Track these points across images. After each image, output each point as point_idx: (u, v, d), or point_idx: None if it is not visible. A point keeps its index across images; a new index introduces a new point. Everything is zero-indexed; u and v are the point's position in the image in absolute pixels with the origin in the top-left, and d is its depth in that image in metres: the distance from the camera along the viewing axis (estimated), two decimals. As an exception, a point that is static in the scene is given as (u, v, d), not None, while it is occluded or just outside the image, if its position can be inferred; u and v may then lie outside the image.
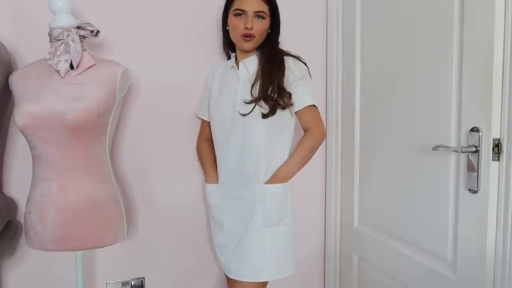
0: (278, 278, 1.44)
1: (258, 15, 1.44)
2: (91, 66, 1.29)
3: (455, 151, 1.24)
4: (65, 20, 1.27)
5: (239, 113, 1.42)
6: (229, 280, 1.52)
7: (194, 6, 1.68)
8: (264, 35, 1.49)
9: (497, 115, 1.13)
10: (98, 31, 1.31)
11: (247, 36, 1.43)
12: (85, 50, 1.30)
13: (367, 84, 1.68)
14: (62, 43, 1.25)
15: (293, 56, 1.49)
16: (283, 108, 1.41)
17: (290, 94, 1.41)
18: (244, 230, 1.45)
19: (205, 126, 1.65)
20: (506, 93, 1.11)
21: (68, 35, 1.25)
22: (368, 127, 1.68)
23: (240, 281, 1.44)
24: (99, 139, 1.31)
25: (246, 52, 1.50)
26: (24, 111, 1.22)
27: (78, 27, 1.28)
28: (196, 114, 1.68)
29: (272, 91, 1.39)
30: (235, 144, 1.46)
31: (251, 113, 1.40)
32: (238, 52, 1.54)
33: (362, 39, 1.70)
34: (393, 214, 1.55)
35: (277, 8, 1.51)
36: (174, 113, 1.68)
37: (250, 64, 1.49)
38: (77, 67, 1.27)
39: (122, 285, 1.69)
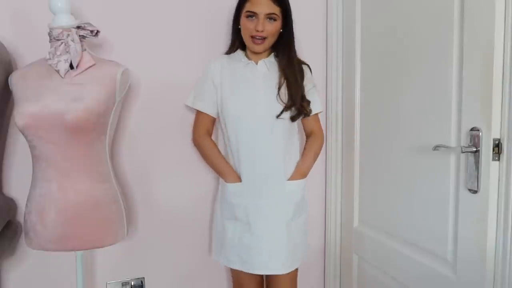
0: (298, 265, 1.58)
1: (270, 17, 1.46)
2: (91, 66, 1.29)
3: (455, 151, 1.24)
4: (65, 20, 1.27)
5: (273, 115, 1.48)
6: (269, 278, 1.60)
7: (194, 6, 1.68)
8: (276, 37, 1.52)
9: (497, 115, 1.13)
10: (98, 31, 1.31)
11: (258, 39, 1.47)
12: (85, 50, 1.30)
13: (367, 84, 1.68)
14: (62, 43, 1.25)
15: (306, 64, 1.61)
16: (306, 114, 1.55)
17: (309, 102, 1.55)
18: (275, 226, 1.50)
19: (208, 121, 1.58)
20: (506, 93, 1.11)
21: (68, 35, 1.25)
22: (368, 127, 1.68)
23: (284, 274, 1.52)
24: (99, 139, 1.31)
25: (258, 53, 1.54)
26: (24, 111, 1.22)
27: (78, 27, 1.28)
28: (195, 107, 1.58)
29: (299, 98, 1.51)
30: (263, 143, 1.50)
31: (276, 114, 1.49)
32: (249, 51, 1.56)
33: (362, 39, 1.70)
34: (393, 214, 1.55)
35: (289, 9, 1.51)
36: (174, 113, 1.68)
37: (270, 64, 1.55)
38: (77, 67, 1.27)
39: (122, 285, 1.69)
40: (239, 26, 1.52)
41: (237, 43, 1.59)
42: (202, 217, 1.76)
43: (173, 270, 1.75)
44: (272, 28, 1.47)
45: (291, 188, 1.54)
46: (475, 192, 1.19)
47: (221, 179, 1.59)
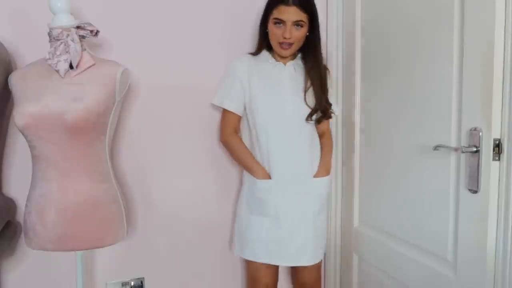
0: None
1: (297, 23, 1.49)
2: (90, 66, 1.29)
3: (456, 151, 1.24)
4: (65, 20, 1.26)
5: (301, 116, 1.55)
6: (298, 270, 1.68)
7: (193, 6, 1.67)
8: (302, 41, 1.55)
9: (497, 115, 1.13)
10: (97, 31, 1.30)
11: (285, 44, 1.51)
12: (85, 50, 1.30)
13: (368, 84, 1.68)
14: (61, 43, 1.25)
15: (327, 68, 1.66)
16: (328, 117, 1.62)
17: (331, 105, 1.61)
18: (304, 220, 1.58)
19: (236, 120, 1.61)
20: (506, 93, 1.11)
21: (68, 35, 1.25)
22: (368, 127, 1.68)
23: (312, 265, 1.62)
24: (99, 139, 1.31)
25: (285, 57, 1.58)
26: (24, 111, 1.21)
27: (78, 27, 1.27)
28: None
29: (324, 102, 1.58)
30: (292, 142, 1.56)
31: (303, 116, 1.55)
32: (275, 53, 1.59)
33: (362, 39, 1.70)
34: (393, 214, 1.55)
35: (316, 13, 1.54)
36: (174, 113, 1.68)
37: (297, 67, 1.61)
38: (76, 67, 1.26)
39: (122, 285, 1.69)
40: (267, 30, 1.55)
41: (264, 44, 1.61)
42: (202, 216, 1.76)
43: (173, 270, 1.75)
44: (299, 34, 1.51)
45: (318, 185, 1.60)
46: (475, 192, 1.19)
47: (247, 176, 1.62)
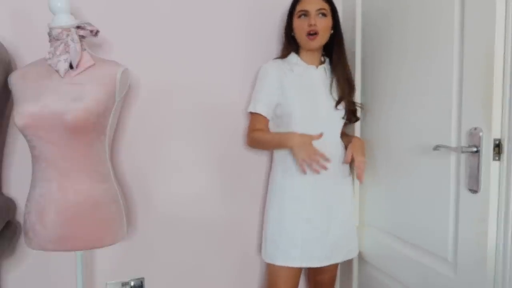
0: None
1: (321, 12, 1.54)
2: (90, 66, 1.29)
3: (456, 151, 1.23)
4: (65, 20, 1.27)
5: (334, 117, 1.59)
6: (321, 269, 1.66)
7: (193, 6, 1.67)
8: (328, 34, 1.58)
9: (497, 115, 1.13)
10: (97, 31, 1.30)
11: (312, 34, 1.53)
12: (85, 49, 1.30)
13: (368, 84, 1.68)
14: (61, 43, 1.25)
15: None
16: (356, 119, 1.67)
17: (356, 108, 1.65)
18: (336, 219, 1.61)
19: (264, 123, 1.61)
20: (506, 93, 1.11)
21: (68, 34, 1.25)
22: (368, 127, 1.68)
23: (331, 264, 1.63)
24: (98, 139, 1.31)
25: (312, 52, 1.60)
26: (24, 111, 1.21)
27: (78, 27, 1.27)
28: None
29: (349, 93, 1.62)
30: (329, 144, 1.54)
31: (338, 117, 1.60)
32: (304, 54, 1.62)
33: (362, 39, 1.70)
34: (394, 214, 1.55)
35: (336, 8, 1.60)
36: (174, 113, 1.68)
37: (328, 70, 1.65)
38: (76, 67, 1.26)
39: (122, 285, 1.69)
40: (292, 34, 1.60)
41: (290, 48, 1.64)
42: (202, 216, 1.76)
43: (173, 270, 1.75)
44: (324, 23, 1.54)
45: (349, 182, 1.67)
46: (475, 192, 1.18)
47: (276, 182, 1.61)
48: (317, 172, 1.44)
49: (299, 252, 1.56)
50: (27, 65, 1.35)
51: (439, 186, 1.32)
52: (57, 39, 1.25)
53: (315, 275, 1.74)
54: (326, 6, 1.55)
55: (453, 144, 1.26)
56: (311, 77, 1.61)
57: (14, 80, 1.30)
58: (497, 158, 1.14)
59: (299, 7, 1.56)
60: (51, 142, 1.24)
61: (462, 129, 1.22)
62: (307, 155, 1.42)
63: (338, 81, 1.61)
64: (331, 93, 1.60)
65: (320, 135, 1.43)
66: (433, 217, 1.35)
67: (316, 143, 1.47)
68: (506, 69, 1.11)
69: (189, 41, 1.68)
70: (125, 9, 1.59)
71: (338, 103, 1.58)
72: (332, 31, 1.59)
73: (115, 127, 1.44)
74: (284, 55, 1.65)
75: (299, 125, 1.55)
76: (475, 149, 1.17)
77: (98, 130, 1.30)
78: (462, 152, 1.20)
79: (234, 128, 1.75)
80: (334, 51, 1.63)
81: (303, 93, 1.58)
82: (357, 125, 1.73)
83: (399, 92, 1.49)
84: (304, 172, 1.46)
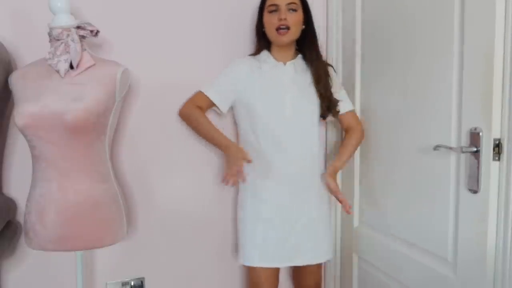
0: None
1: (291, 7, 1.51)
2: (91, 66, 1.29)
3: (456, 151, 1.23)
4: (65, 20, 1.26)
5: (302, 116, 1.56)
6: (297, 272, 1.69)
7: (193, 6, 1.67)
8: (299, 29, 1.55)
9: (497, 115, 1.13)
10: (97, 31, 1.30)
11: (282, 29, 1.51)
12: (85, 50, 1.30)
13: (368, 84, 1.68)
14: (61, 43, 1.25)
15: (330, 65, 1.67)
16: (334, 114, 1.61)
17: (337, 101, 1.61)
18: (309, 220, 1.61)
19: (206, 103, 1.58)
20: (506, 93, 1.11)
21: (68, 35, 1.25)
22: (368, 127, 1.68)
23: (313, 267, 1.66)
24: (99, 139, 1.31)
25: (284, 48, 1.57)
26: (24, 111, 1.21)
27: (78, 27, 1.27)
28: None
29: (328, 95, 1.58)
30: (293, 143, 1.55)
31: (308, 115, 1.57)
32: (275, 50, 1.60)
33: (362, 39, 1.69)
34: (393, 214, 1.55)
35: (307, 2, 1.58)
36: (174, 113, 1.68)
37: (298, 66, 1.60)
38: (77, 67, 1.26)
39: (122, 285, 1.69)
40: (263, 29, 1.57)
41: (262, 44, 1.62)
42: (202, 216, 1.76)
43: (173, 270, 1.75)
44: (294, 18, 1.51)
45: (321, 185, 1.62)
46: (475, 192, 1.18)
47: (249, 183, 1.57)
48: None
49: (258, 252, 1.56)
50: (27, 65, 1.35)
51: (439, 186, 1.32)
52: (58, 39, 1.25)
53: (299, 280, 1.73)
54: (296, 0, 1.52)
55: (453, 144, 1.26)
56: (278, 75, 1.58)
57: (14, 80, 1.30)
58: (497, 158, 1.14)
59: (269, 2, 1.53)
60: (51, 142, 1.24)
61: (462, 129, 1.22)
62: (232, 170, 1.44)
63: (317, 77, 1.57)
64: (303, 91, 1.57)
65: (250, 161, 1.46)
66: (433, 217, 1.35)
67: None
68: (506, 69, 1.11)
69: (189, 41, 1.68)
70: (125, 9, 1.59)
71: (323, 98, 1.57)
72: (303, 26, 1.57)
73: (115, 127, 1.44)
74: (256, 52, 1.63)
75: (263, 123, 1.55)
76: (475, 149, 1.17)
77: (98, 130, 1.30)
78: (462, 152, 1.20)
79: (235, 128, 1.75)
80: (307, 47, 1.60)
81: (267, 92, 1.56)
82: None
83: (399, 92, 1.49)
84: (225, 183, 1.45)
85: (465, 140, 1.21)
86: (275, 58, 1.60)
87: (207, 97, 1.58)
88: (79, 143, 1.26)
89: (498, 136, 1.13)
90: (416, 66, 1.40)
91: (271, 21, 1.53)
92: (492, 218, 1.15)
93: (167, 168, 1.70)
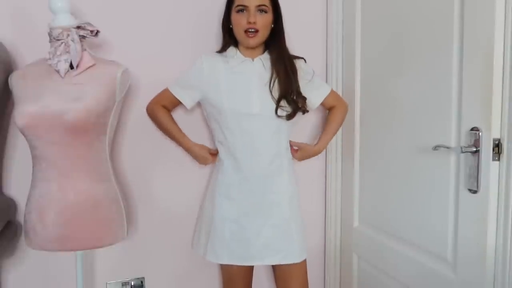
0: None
1: (260, 9, 1.44)
2: (91, 66, 1.29)
3: (455, 151, 1.24)
4: (65, 20, 1.27)
5: (269, 113, 1.47)
6: (278, 274, 1.60)
7: (193, 6, 1.68)
8: (268, 30, 1.49)
9: (497, 115, 1.13)
10: (98, 31, 1.31)
11: (251, 31, 1.44)
12: (85, 50, 1.30)
13: (367, 84, 1.68)
14: (62, 43, 1.25)
15: (300, 58, 1.60)
16: (303, 111, 1.52)
17: (305, 99, 1.51)
18: (269, 217, 1.54)
19: (172, 102, 1.57)
20: (506, 93, 1.11)
21: (68, 35, 1.25)
22: (368, 127, 1.68)
23: (294, 269, 1.55)
24: (99, 139, 1.31)
25: (252, 49, 1.51)
26: (24, 111, 1.22)
27: (78, 27, 1.28)
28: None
29: (293, 93, 1.48)
30: (260, 140, 1.50)
31: (271, 113, 1.47)
32: (242, 49, 1.54)
33: (362, 39, 1.70)
34: (393, 214, 1.55)
35: (278, 2, 1.51)
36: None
37: (266, 62, 1.53)
38: (77, 67, 1.27)
39: (122, 285, 1.69)
40: (231, 26, 1.51)
41: (230, 41, 1.56)
42: (202, 217, 1.76)
43: (173, 270, 1.75)
44: (263, 20, 1.45)
45: (293, 183, 1.57)
46: (475, 192, 1.19)
47: (217, 177, 1.55)
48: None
49: (226, 250, 1.51)
50: (28, 65, 1.36)
51: (438, 186, 1.32)
52: (58, 39, 1.25)
53: (281, 284, 1.62)
54: (266, 1, 1.44)
55: (453, 144, 1.26)
56: (245, 71, 1.52)
57: (15, 80, 1.30)
58: (496, 158, 1.14)
59: (237, 1, 1.45)
60: (52, 142, 1.24)
61: (461, 129, 1.22)
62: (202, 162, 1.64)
63: (278, 77, 1.49)
64: (270, 89, 1.48)
65: (213, 162, 1.62)
66: (432, 217, 1.35)
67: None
68: (506, 69, 1.11)
69: (189, 41, 1.68)
70: (125, 9, 1.59)
71: (279, 100, 1.46)
72: (272, 25, 1.50)
73: (115, 127, 1.44)
74: (222, 48, 1.56)
75: (229, 119, 1.49)
76: (474, 149, 1.17)
77: (98, 130, 1.30)
78: (462, 152, 1.20)
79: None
80: (273, 46, 1.52)
81: (234, 88, 1.50)
82: (357, 125, 1.73)
83: (399, 92, 1.49)
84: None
85: (464, 140, 1.21)
86: (243, 54, 1.54)
87: (174, 97, 1.56)
88: (79, 143, 1.26)
89: (497, 136, 1.14)
90: (416, 66, 1.40)
91: (239, 22, 1.45)
92: (491, 218, 1.15)
93: (168, 168, 1.70)
